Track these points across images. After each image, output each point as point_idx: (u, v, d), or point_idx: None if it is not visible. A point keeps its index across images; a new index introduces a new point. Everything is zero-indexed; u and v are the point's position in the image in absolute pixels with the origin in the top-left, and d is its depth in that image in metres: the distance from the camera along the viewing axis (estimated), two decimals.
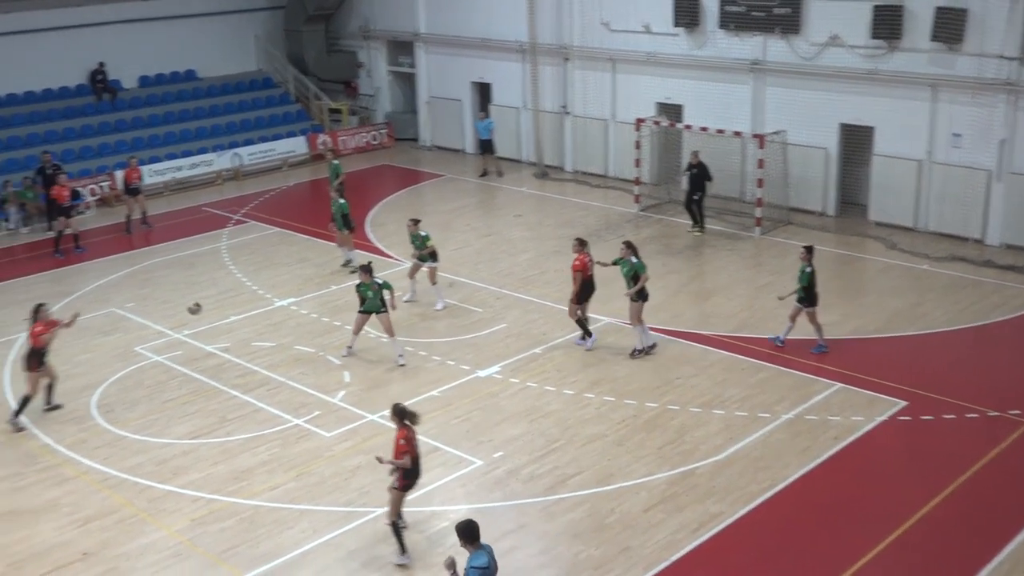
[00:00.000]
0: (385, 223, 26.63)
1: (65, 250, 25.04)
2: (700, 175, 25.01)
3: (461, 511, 13.70)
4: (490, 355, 18.50)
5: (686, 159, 27.98)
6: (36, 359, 16.60)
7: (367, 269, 18.25)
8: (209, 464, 15.10)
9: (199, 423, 16.36)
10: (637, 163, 27.37)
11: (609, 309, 20.30)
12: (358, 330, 18.53)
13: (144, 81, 34.19)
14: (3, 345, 19.63)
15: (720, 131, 26.26)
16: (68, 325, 17.24)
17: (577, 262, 18.32)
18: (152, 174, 30.37)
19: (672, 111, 28.54)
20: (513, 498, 14.05)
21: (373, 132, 35.77)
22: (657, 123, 27.70)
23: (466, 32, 33.10)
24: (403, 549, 12.66)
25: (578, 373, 17.69)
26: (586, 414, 16.29)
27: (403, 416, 12.62)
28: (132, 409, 16.90)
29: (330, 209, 23.14)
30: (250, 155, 32.58)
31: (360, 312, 18.33)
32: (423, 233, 20.66)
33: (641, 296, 18.17)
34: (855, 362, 17.80)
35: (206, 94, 34.83)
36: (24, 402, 16.46)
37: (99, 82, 32.52)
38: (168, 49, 34.45)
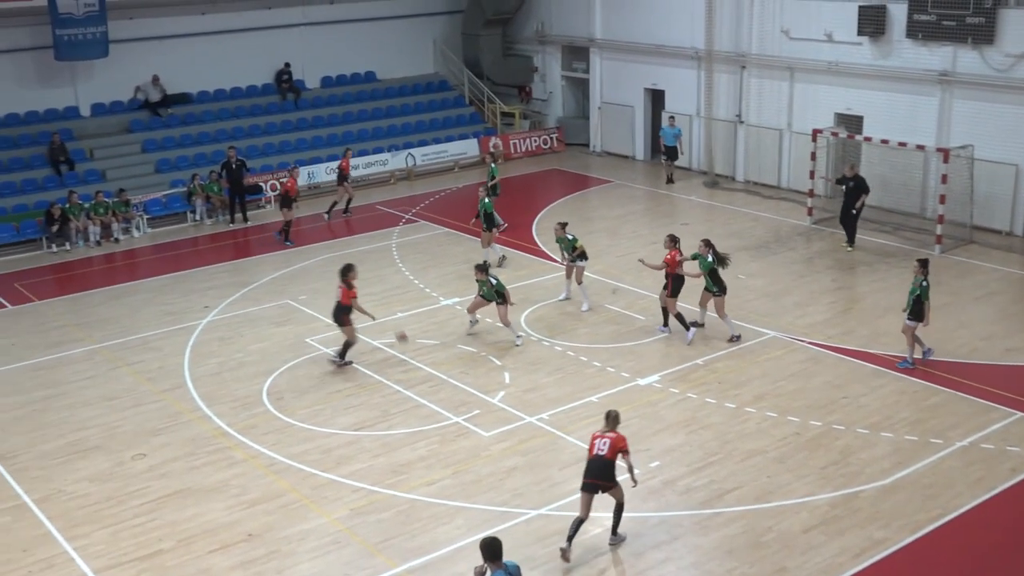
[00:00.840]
0: (551, 228, 26.65)
1: (291, 238, 26.27)
2: (858, 188, 24.12)
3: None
4: (651, 363, 18.33)
5: (865, 171, 27.10)
6: (346, 313, 18.31)
7: (482, 268, 19.34)
8: (370, 456, 15.47)
9: (363, 415, 16.78)
10: (812, 175, 26.63)
11: (777, 324, 19.83)
12: (473, 309, 19.65)
13: (326, 82, 35.39)
14: (185, 331, 20.62)
15: (902, 144, 25.28)
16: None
17: (668, 257, 19.10)
18: (329, 172, 31.39)
19: (852, 122, 27.64)
20: (667, 509, 13.87)
21: (544, 136, 35.98)
22: (835, 134, 26.88)
23: (641, 38, 32.94)
24: None
25: (740, 387, 17.33)
26: (747, 428, 15.93)
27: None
28: (300, 398, 17.48)
29: (477, 208, 23.97)
30: (423, 156, 33.29)
31: (479, 297, 19.38)
32: (570, 237, 20.89)
33: (722, 290, 18.99)
34: None
35: (384, 95, 35.77)
36: (346, 347, 18.51)
37: (284, 82, 33.84)
38: (350, 51, 35.56)
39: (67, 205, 26.57)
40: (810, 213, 26.63)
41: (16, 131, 29.58)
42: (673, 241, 19.28)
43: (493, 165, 26.90)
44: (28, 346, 20.20)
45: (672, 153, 30.88)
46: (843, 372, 17.82)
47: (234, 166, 27.88)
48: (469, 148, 34.31)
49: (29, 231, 26.60)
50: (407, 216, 28.50)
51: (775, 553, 12.78)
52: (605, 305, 21.11)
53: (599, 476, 12.67)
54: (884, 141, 25.59)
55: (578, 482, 13.23)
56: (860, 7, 26.80)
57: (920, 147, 25.15)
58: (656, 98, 33.55)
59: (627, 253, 24.44)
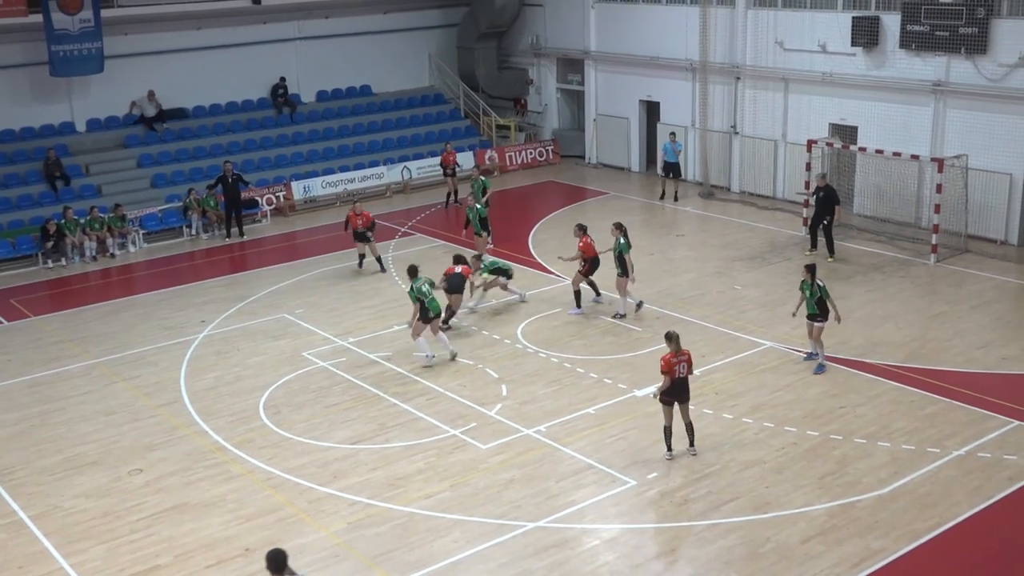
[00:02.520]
0: (547, 239, 26.75)
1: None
2: (828, 199, 24.02)
3: (613, 530, 13.61)
4: (648, 375, 18.30)
5: (860, 181, 27.21)
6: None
7: (412, 271, 19.44)
8: (368, 469, 15.45)
9: (360, 429, 16.76)
10: (807, 185, 26.67)
11: (773, 334, 19.86)
12: (419, 333, 19.14)
13: (322, 96, 35.45)
14: (182, 345, 20.61)
15: (896, 154, 25.35)
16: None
17: (581, 244, 21.05)
18: (325, 186, 31.46)
19: (846, 132, 27.72)
20: (665, 520, 13.85)
21: (540, 148, 36.05)
22: (830, 144, 26.95)
23: (636, 50, 33.04)
24: None
25: (737, 397, 17.33)
26: (744, 439, 15.93)
27: None
28: (297, 412, 17.46)
29: (465, 216, 24.78)
30: (419, 169, 33.32)
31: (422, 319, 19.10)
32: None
33: (624, 272, 20.65)
34: None
35: (379, 109, 35.84)
36: (449, 313, 20.26)
37: (280, 96, 33.90)
38: (345, 65, 35.63)
39: (63, 221, 26.57)
40: (805, 223, 26.64)
41: (11, 147, 29.60)
42: (582, 230, 21.26)
43: (483, 178, 26.85)
44: (24, 362, 20.17)
45: (675, 170, 30.37)
46: (839, 382, 17.82)
47: (230, 180, 27.87)
48: (465, 161, 34.29)
49: (25, 247, 26.59)
50: (403, 229, 28.52)
51: (773, 564, 12.76)
52: (601, 317, 21.12)
53: (685, 393, 15.16)
54: (879, 151, 25.65)
55: (576, 494, 13.44)
56: (854, 18, 26.91)
57: (914, 157, 25.22)
58: (651, 110, 33.64)
59: None
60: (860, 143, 26.82)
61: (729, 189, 31.14)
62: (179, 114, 32.50)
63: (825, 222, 24.24)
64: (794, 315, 18.54)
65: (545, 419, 16.78)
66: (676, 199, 30.30)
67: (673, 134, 30.77)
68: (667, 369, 14.96)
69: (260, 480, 15.25)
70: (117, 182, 29.89)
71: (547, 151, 36.06)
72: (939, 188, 24.04)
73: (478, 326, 20.92)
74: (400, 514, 14.19)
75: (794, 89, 29.03)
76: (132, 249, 27.57)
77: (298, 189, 31.11)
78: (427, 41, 37.53)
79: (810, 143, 26.67)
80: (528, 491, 14.62)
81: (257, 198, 29.91)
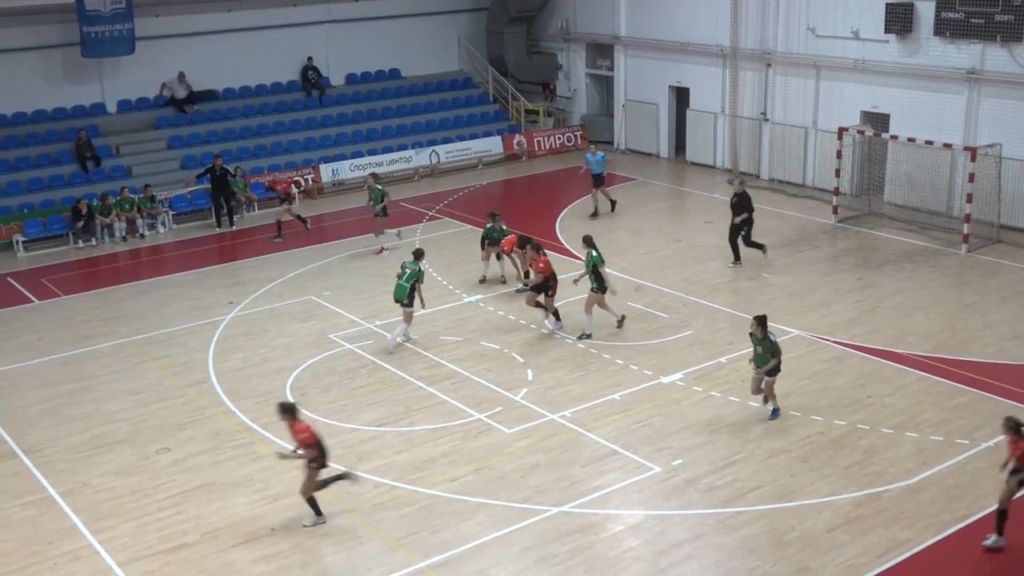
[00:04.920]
0: (574, 225, 26.69)
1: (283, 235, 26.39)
2: (740, 206, 22.78)
3: (637, 516, 13.61)
4: (674, 361, 18.28)
5: (891, 170, 26.97)
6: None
7: (417, 253, 19.73)
8: (393, 452, 15.51)
9: (386, 411, 16.83)
10: (837, 173, 26.48)
11: (801, 323, 19.75)
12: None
13: (351, 79, 35.48)
14: (210, 326, 20.74)
15: (929, 142, 25.09)
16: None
17: (541, 267, 19.55)
18: (353, 169, 31.52)
19: (878, 120, 27.47)
20: (690, 507, 13.84)
21: (568, 133, 35.95)
22: (861, 132, 26.72)
23: (666, 36, 32.85)
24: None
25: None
26: (770, 427, 15.86)
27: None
28: (324, 394, 17.55)
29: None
30: (447, 153, 33.33)
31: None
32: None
33: (601, 288, 19.19)
34: None
35: (408, 93, 35.84)
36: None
37: (309, 79, 33.95)
38: (375, 48, 35.64)
39: (96, 203, 26.79)
40: (835, 211, 26.49)
41: (44, 127, 29.83)
42: (536, 250, 19.86)
43: (378, 187, 25.52)
44: (55, 341, 20.37)
45: (599, 181, 27.70)
46: (868, 371, 17.72)
47: (218, 173, 27.83)
48: (493, 146, 34.34)
49: (56, 227, 26.82)
50: (431, 213, 28.54)
51: (798, 552, 12.72)
52: (628, 303, 21.07)
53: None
54: (911, 139, 25.42)
55: (601, 479, 13.61)
56: (887, 4, 26.62)
57: (947, 146, 24.96)
58: (681, 96, 33.46)
59: (650, 251, 24.44)
60: (892, 131, 26.56)
61: (758, 176, 30.95)
62: (209, 96, 32.63)
63: (744, 232, 22.97)
64: (751, 362, 16.08)
65: (570, 404, 16.79)
66: (613, 209, 27.74)
67: (593, 144, 29.96)
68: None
69: (287, 461, 15.32)
70: (147, 163, 30.07)
71: (575, 136, 35.95)
72: (972, 177, 23.79)
73: (504, 311, 20.92)
74: (425, 496, 14.24)
75: (826, 76, 28.79)
76: (161, 230, 27.74)
77: (326, 172, 31.21)
78: (457, 25, 37.47)
79: (841, 131, 26.47)
80: (553, 476, 14.63)
81: (376, 173, 30.17)
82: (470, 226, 26.80)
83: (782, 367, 15.93)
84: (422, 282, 19.12)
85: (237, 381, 18.15)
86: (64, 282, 23.93)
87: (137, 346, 19.91)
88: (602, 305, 19.45)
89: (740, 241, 23.15)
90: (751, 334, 15.84)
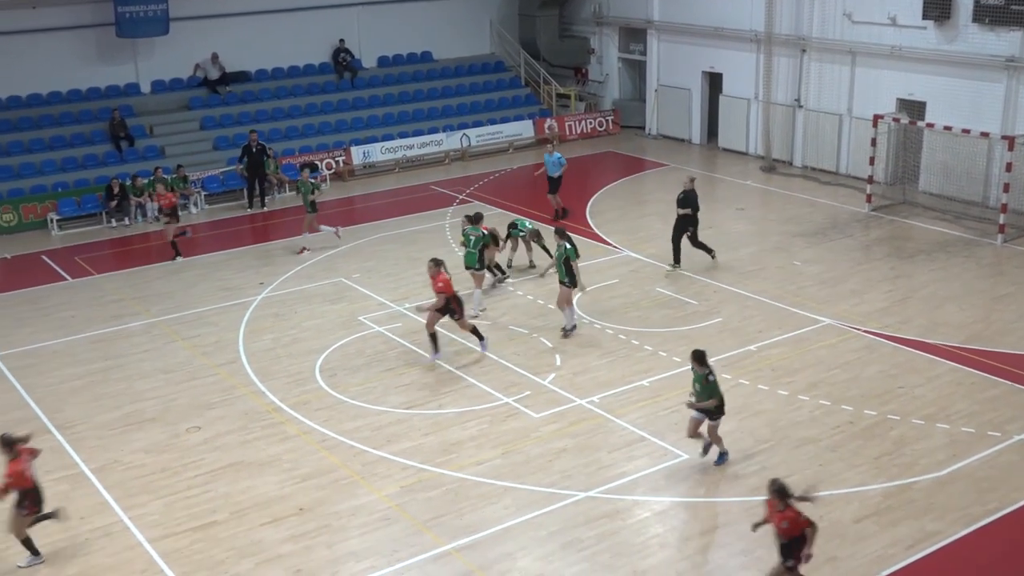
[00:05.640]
0: (605, 211, 26.61)
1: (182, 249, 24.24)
2: (686, 202, 21.65)
3: (664, 503, 13.58)
4: (704, 347, 18.13)
5: (926, 158, 26.67)
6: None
7: (475, 218, 20.12)
8: (421, 434, 15.55)
9: (414, 394, 16.87)
10: (871, 161, 26.23)
11: (832, 312, 19.61)
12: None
13: (383, 61, 35.48)
14: (240, 306, 20.86)
15: (966, 131, 24.78)
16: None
17: (440, 286, 17.38)
18: (384, 151, 31.56)
19: (914, 108, 27.16)
20: (717, 495, 13.79)
21: (599, 118, 35.80)
22: (896, 120, 26.44)
23: (700, 20, 32.60)
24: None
25: (794, 374, 17.15)
26: (799, 416, 15.78)
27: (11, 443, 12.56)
28: (353, 375, 17.61)
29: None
30: (478, 137, 33.30)
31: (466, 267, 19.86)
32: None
33: (573, 283, 18.49)
34: None
35: (440, 75, 35.79)
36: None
37: (341, 61, 33.98)
38: (407, 31, 35.60)
39: (128, 183, 26.99)
40: (869, 200, 26.24)
41: (78, 107, 30.04)
42: (437, 264, 17.63)
43: (311, 180, 24.86)
44: (87, 318, 20.56)
45: (555, 185, 25.70)
46: (899, 361, 17.57)
47: (254, 150, 27.92)
48: (524, 129, 34.25)
49: (89, 206, 27.03)
50: (461, 196, 28.52)
51: (826, 542, 12.63)
52: (658, 289, 21.00)
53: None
54: (947, 128, 25.12)
55: (628, 465, 13.40)
56: None
57: (984, 134, 24.63)
58: (714, 81, 33.23)
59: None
60: (928, 119, 26.25)
61: (791, 163, 30.71)
62: (242, 77, 32.73)
63: (689, 232, 21.89)
64: (691, 405, 14.37)
65: (598, 390, 16.76)
66: (558, 217, 25.44)
67: (551, 144, 27.69)
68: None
69: (315, 441, 15.43)
70: (180, 144, 30.24)
71: (607, 121, 35.80)
72: (1009, 167, 23.49)
73: (533, 295, 20.90)
74: (452, 479, 14.27)
75: (861, 62, 28.48)
76: (194, 210, 27.89)
77: (357, 154, 31.26)
78: (489, 8, 37.36)
79: (876, 118, 26.19)
80: (580, 461, 14.63)
81: (316, 162, 30.09)
82: (500, 210, 26.75)
83: (725, 410, 14.23)
84: (575, 258, 18.50)
85: (267, 361, 18.25)
86: (97, 261, 24.13)
87: (168, 325, 20.06)
88: (567, 302, 18.61)
89: (687, 241, 21.94)
90: (692, 369, 14.17)
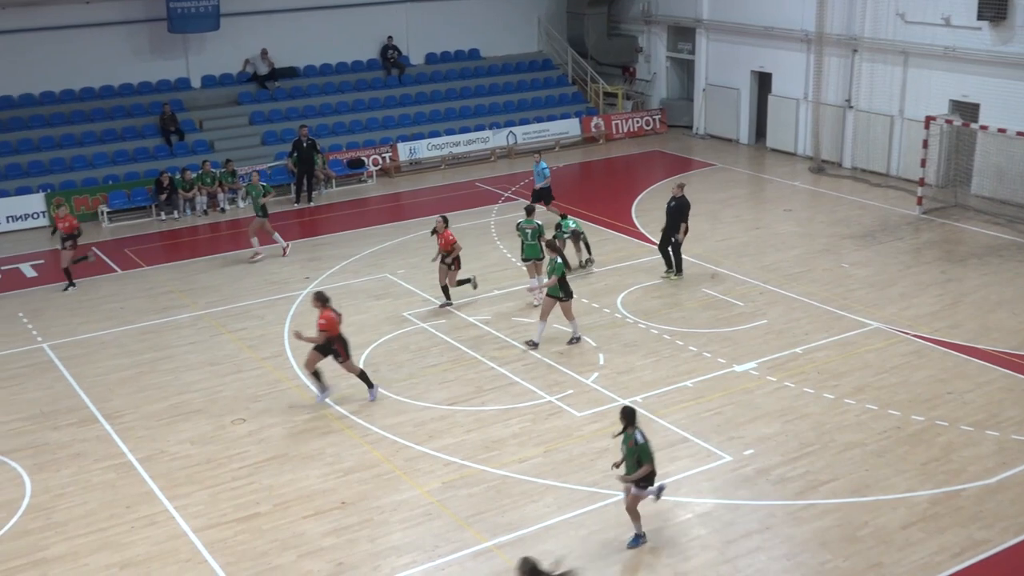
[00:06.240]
0: (651, 210, 26.47)
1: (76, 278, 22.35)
2: (679, 210, 21.10)
3: (706, 504, 13.49)
4: (748, 350, 18.05)
5: (979, 161, 26.26)
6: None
7: (528, 209, 20.48)
8: (463, 431, 15.57)
9: (457, 391, 16.89)
10: (923, 163, 25.87)
11: (880, 315, 19.38)
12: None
13: (430, 58, 35.57)
14: (286, 300, 21.00)
15: (1021, 133, 24.36)
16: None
17: (324, 323, 15.89)
18: (430, 148, 31.64)
19: (967, 110, 26.75)
20: (760, 498, 13.67)
21: (647, 117, 35.63)
22: (949, 122, 26.05)
23: (750, 19, 32.34)
24: None
25: (840, 377, 16.96)
26: (845, 420, 15.59)
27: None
28: (396, 371, 17.67)
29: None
30: (524, 134, 33.28)
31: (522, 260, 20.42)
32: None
33: (568, 295, 18.04)
34: None
35: (487, 73, 35.81)
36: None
37: (389, 58, 34.11)
38: (455, 28, 35.67)
39: (177, 176, 27.29)
40: (920, 202, 25.88)
41: (129, 101, 30.42)
42: (323, 301, 16.10)
43: (263, 184, 23.72)
44: (136, 310, 20.81)
45: (544, 196, 24.82)
46: (948, 367, 17.31)
47: (305, 144, 28.06)
48: (570, 128, 34.19)
49: (139, 198, 27.36)
50: (506, 194, 28.52)
51: (871, 548, 12.50)
52: (703, 290, 20.86)
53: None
54: (1001, 130, 24.71)
55: (670, 466, 13.23)
56: None
57: None
58: (763, 81, 32.95)
59: (727, 238, 24.13)
60: (981, 121, 25.84)
61: (841, 164, 30.37)
62: (290, 73, 32.97)
63: (674, 240, 21.27)
64: (616, 466, 12.79)
65: (641, 390, 16.68)
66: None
67: (539, 153, 26.38)
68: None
69: (358, 436, 15.50)
70: (229, 138, 30.51)
71: (654, 120, 35.63)
72: None
73: (578, 294, 20.82)
74: (494, 476, 14.27)
75: (914, 63, 28.09)
76: (241, 205, 28.12)
77: (404, 151, 31.36)
78: (537, 5, 37.32)
79: (928, 120, 25.83)
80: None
81: (363, 158, 30.26)
82: (542, 208, 26.67)
83: (655, 480, 12.62)
84: (560, 273, 17.86)
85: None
86: (146, 253, 24.42)
87: (215, 318, 20.25)
88: (568, 313, 18.17)
89: (670, 248, 21.46)
90: (624, 431, 12.43)
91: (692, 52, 35.07)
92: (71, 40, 29.54)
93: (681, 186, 21.67)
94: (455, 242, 19.92)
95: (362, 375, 16.61)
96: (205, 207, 27.52)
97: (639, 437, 12.21)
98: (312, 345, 16.18)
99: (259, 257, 23.50)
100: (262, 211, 23.41)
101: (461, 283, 20.30)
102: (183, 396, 16.99)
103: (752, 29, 32.29)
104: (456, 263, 20.03)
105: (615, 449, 14.75)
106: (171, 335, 19.52)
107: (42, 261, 24.11)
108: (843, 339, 18.42)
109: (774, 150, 32.35)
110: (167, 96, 30.70)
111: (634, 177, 30.06)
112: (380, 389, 16.82)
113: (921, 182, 25.95)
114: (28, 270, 23.53)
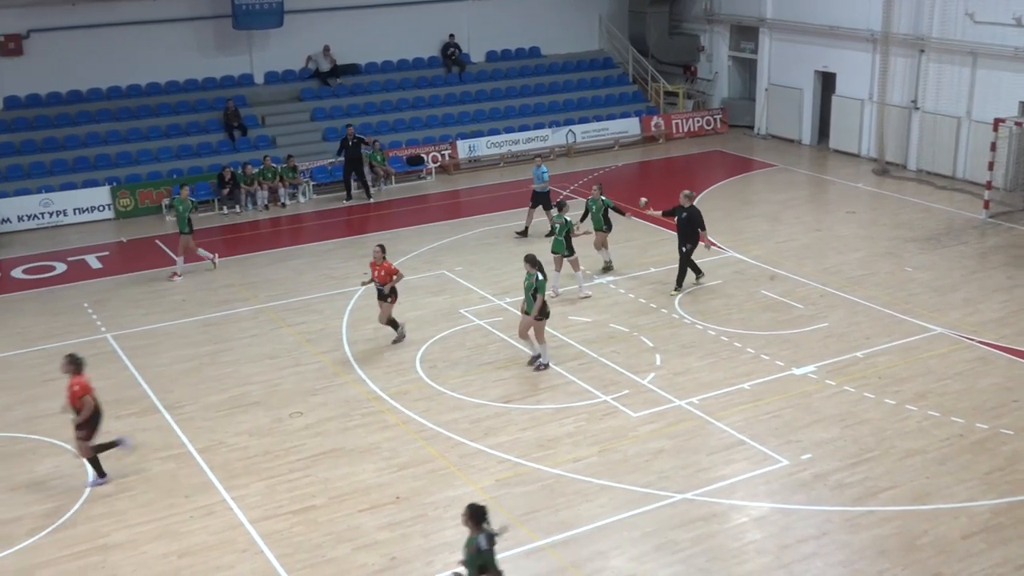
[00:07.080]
0: (710, 211, 26.20)
1: None
2: (692, 221, 20.45)
3: (762, 508, 13.35)
4: (807, 353, 17.83)
5: None
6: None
7: (560, 205, 20.81)
8: (518, 429, 15.56)
9: (512, 388, 16.89)
10: (990, 166, 25.36)
11: (944, 320, 19.04)
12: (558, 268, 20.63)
13: (491, 56, 35.61)
14: (345, 296, 21.17)
15: None
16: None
17: (76, 387, 13.95)
18: (489, 146, 31.69)
19: None
20: (818, 503, 13.49)
21: (708, 117, 35.36)
22: (1019, 124, 25.51)
23: (814, 19, 31.94)
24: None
25: (902, 383, 16.68)
26: (906, 427, 15.34)
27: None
28: (452, 367, 17.72)
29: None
30: (583, 133, 33.20)
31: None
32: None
33: (543, 314, 17.09)
34: None
35: (547, 71, 35.78)
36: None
37: (450, 55, 34.22)
38: (515, 26, 35.68)
39: (239, 171, 27.63)
40: (987, 206, 25.38)
41: (194, 96, 30.86)
42: (76, 365, 14.03)
43: (190, 199, 23.16)
44: (198, 303, 21.10)
45: (542, 200, 24.35)
46: (1015, 374, 16.94)
47: (351, 143, 28.20)
48: (630, 127, 34.04)
49: (202, 193, 27.71)
50: (565, 193, 28.44)
51: (930, 557, 12.28)
52: (762, 292, 20.65)
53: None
54: None
55: (726, 469, 13.11)
56: None
57: None
58: (827, 81, 32.53)
59: (788, 239, 23.87)
60: None
61: (905, 167, 29.89)
62: (352, 70, 33.20)
63: (684, 249, 20.47)
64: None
65: (698, 391, 16.56)
66: (526, 233, 24.62)
67: (539, 157, 26.63)
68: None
69: (413, 431, 15.57)
70: (291, 134, 30.82)
71: (715, 120, 35.34)
72: None
73: (635, 294, 20.75)
74: (548, 475, 14.25)
75: (983, 64, 27.55)
76: (302, 200, 28.40)
77: (463, 148, 31.45)
78: (598, 4, 37.20)
79: (997, 122, 25.32)
80: (677, 462, 14.46)
81: (423, 155, 30.41)
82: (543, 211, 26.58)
83: None
84: (543, 292, 17.16)
85: (369, 351, 18.48)
86: (208, 247, 24.64)
87: (274, 312, 20.47)
88: (540, 334, 17.26)
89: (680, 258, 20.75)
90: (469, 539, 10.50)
91: (755, 51, 34.74)
92: (138, 36, 30.05)
93: (690, 196, 20.93)
94: (397, 272, 18.42)
95: (99, 450, 14.31)
96: (266, 202, 27.82)
97: (482, 543, 10.17)
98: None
99: (177, 279, 22.37)
100: (188, 227, 22.47)
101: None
102: (242, 388, 17.19)
103: (817, 28, 31.89)
104: (393, 295, 18.45)
105: (671, 451, 14.72)
106: (232, 328, 19.77)
107: (107, 253, 24.57)
108: (905, 344, 18.13)
109: (837, 151, 31.92)
110: (231, 92, 31.09)
111: (694, 177, 29.83)
112: (436, 385, 16.89)
113: (988, 185, 25.45)
114: (93, 261, 23.98)
